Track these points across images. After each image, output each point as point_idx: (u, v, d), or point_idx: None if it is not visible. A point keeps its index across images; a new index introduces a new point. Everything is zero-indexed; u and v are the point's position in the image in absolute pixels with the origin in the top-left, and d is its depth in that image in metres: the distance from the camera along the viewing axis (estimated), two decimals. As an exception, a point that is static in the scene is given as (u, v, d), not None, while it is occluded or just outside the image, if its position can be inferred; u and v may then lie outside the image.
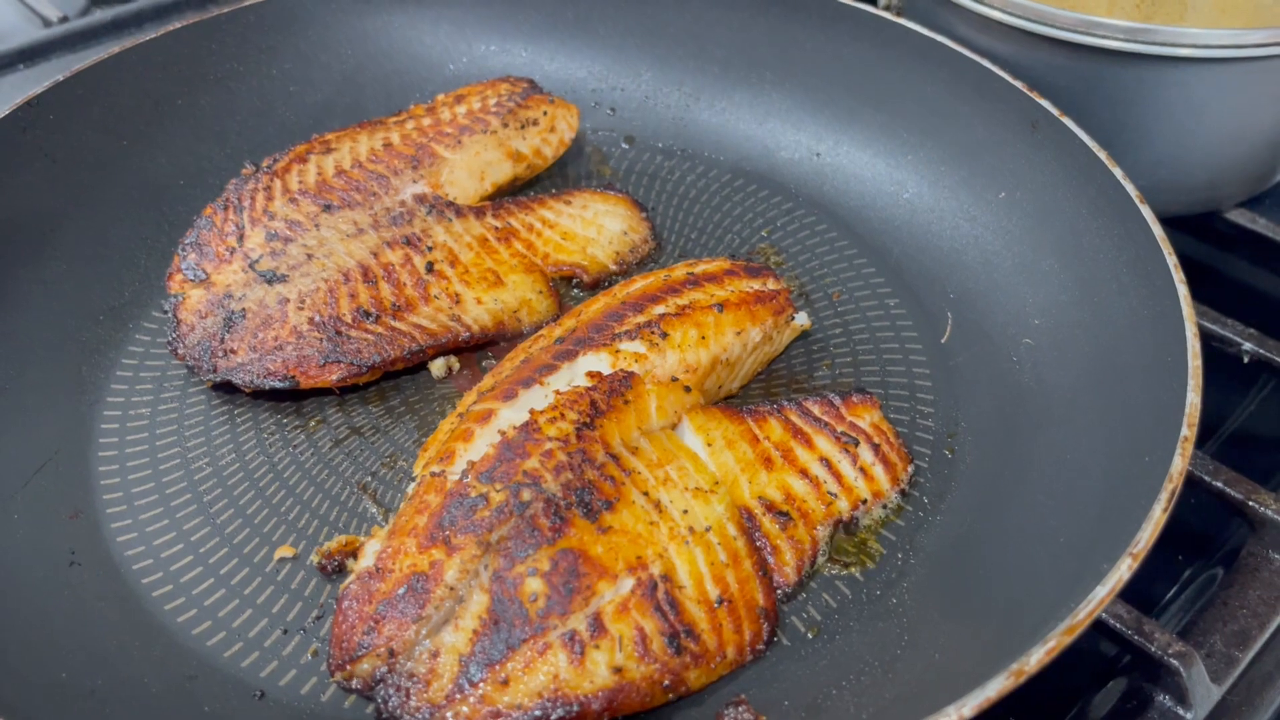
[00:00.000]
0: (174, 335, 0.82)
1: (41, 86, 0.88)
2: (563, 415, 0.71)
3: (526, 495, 0.66)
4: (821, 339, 0.86)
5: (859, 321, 0.87)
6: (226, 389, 0.81)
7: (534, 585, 0.63)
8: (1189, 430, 0.61)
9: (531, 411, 0.71)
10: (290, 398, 0.81)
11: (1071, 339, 0.78)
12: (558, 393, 0.73)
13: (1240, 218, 0.99)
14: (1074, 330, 0.78)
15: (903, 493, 0.74)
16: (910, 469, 0.75)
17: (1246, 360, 0.88)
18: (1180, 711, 0.66)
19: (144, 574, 0.69)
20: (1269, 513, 0.74)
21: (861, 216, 0.96)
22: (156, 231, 0.91)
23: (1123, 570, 0.54)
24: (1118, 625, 0.67)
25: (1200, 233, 1.00)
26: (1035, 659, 0.51)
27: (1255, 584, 0.73)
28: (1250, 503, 0.75)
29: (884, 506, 0.74)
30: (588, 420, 0.71)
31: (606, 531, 0.66)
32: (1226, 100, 0.91)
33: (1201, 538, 0.85)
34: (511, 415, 0.72)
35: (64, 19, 1.27)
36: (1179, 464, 0.59)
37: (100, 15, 1.27)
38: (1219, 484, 0.76)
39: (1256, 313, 0.91)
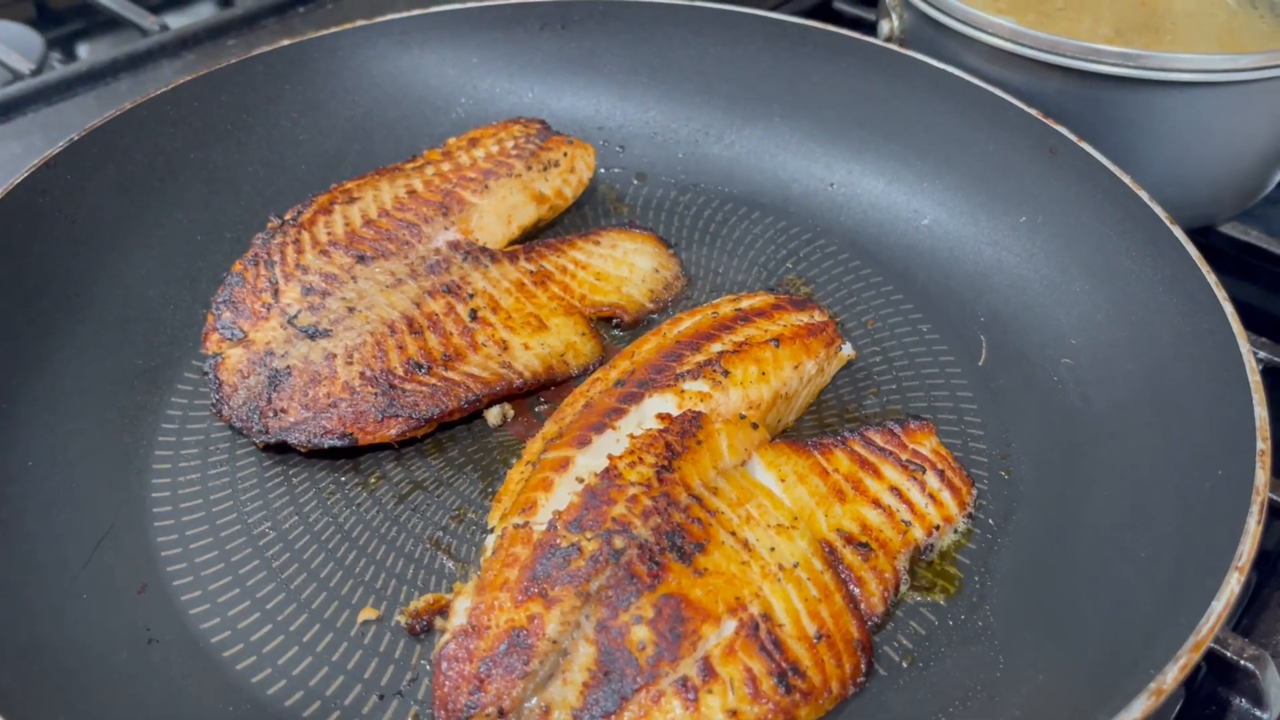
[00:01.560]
0: (217, 397, 0.80)
1: (56, 147, 0.85)
2: (641, 459, 0.71)
3: (619, 542, 0.66)
4: (864, 367, 0.88)
5: (896, 348, 0.89)
6: (277, 449, 0.79)
7: (641, 633, 0.63)
8: (1264, 444, 0.64)
9: (610, 457, 0.71)
10: (345, 455, 0.79)
11: (1113, 358, 0.81)
12: (631, 436, 0.73)
13: (1234, 230, 1.04)
14: (1114, 349, 0.81)
15: (970, 517, 0.76)
16: (974, 493, 0.77)
17: (1261, 368, 0.91)
18: (1258, 713, 0.69)
19: (224, 646, 0.67)
20: (1311, 515, 0.78)
21: (882, 244, 0.98)
22: (179, 290, 0.89)
23: (1233, 584, 0.57)
24: (1192, 633, 0.70)
25: (1198, 246, 1.04)
26: (1171, 677, 0.53)
27: (1308, 586, 0.76)
28: (1295, 507, 0.78)
29: (955, 531, 0.75)
30: (665, 463, 0.71)
31: (702, 574, 0.66)
32: (1223, 120, 0.95)
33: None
34: (588, 462, 0.72)
35: (36, 71, 1.23)
36: (1262, 477, 0.62)
37: (75, 66, 1.23)
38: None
39: (1255, 320, 0.95)
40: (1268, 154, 0.99)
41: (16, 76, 1.23)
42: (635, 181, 1.06)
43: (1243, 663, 0.69)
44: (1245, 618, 0.75)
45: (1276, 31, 0.94)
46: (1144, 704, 0.52)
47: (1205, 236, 1.05)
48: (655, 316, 0.91)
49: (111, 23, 1.60)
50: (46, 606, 0.65)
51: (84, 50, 1.58)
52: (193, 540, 0.73)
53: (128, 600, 0.68)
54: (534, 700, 0.63)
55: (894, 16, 1.05)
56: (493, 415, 0.82)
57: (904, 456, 0.77)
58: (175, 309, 0.88)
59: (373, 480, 0.78)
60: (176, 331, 0.87)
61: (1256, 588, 0.79)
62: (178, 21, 1.37)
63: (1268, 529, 0.85)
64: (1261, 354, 0.92)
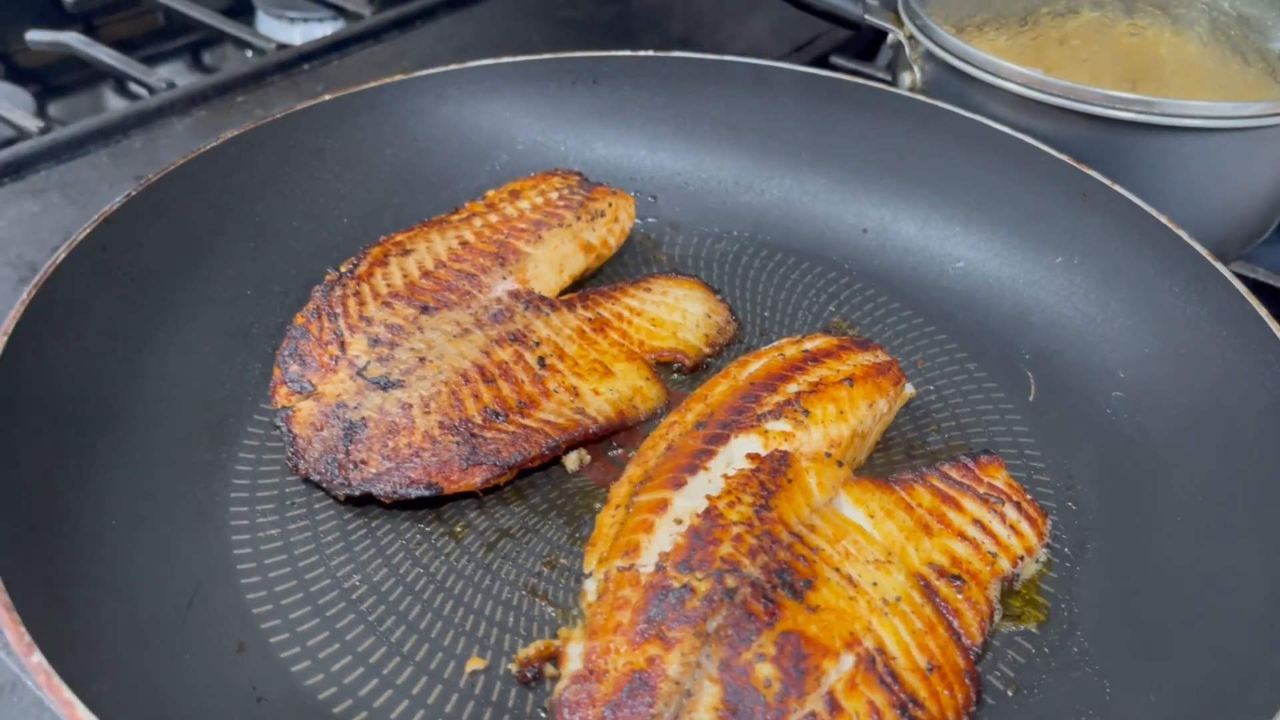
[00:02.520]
0: (292, 451, 0.79)
1: (113, 204, 0.84)
2: (739, 499, 0.72)
3: (731, 581, 0.67)
4: (921, 406, 0.90)
5: (948, 386, 0.92)
6: (356, 502, 0.78)
7: (765, 670, 0.63)
8: (1341, 464, 0.67)
9: (708, 498, 0.72)
10: (427, 505, 0.79)
11: (1163, 389, 0.84)
12: (725, 477, 0.74)
13: (1242, 268, 1.09)
14: (1163, 382, 0.85)
15: (1047, 546, 0.78)
16: (1049, 523, 0.79)
17: None
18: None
19: (333, 703, 0.66)
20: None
21: (919, 287, 1.01)
22: (234, 344, 0.88)
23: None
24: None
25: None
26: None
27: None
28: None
29: (1036, 561, 0.77)
30: (763, 502, 0.72)
31: (815, 610, 0.67)
32: (1233, 164, 1.01)
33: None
34: (686, 503, 0.72)
35: (45, 129, 1.21)
36: (1348, 495, 0.65)
37: (86, 123, 1.21)
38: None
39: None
40: (1272, 196, 1.05)
41: (23, 134, 1.21)
42: (670, 230, 1.07)
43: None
44: None
45: (1263, 80, 1.00)
46: (1287, 718, 0.54)
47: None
48: (712, 361, 0.93)
49: (89, 80, 1.59)
50: (157, 668, 0.63)
51: (54, 109, 1.56)
52: (283, 596, 0.72)
53: (229, 659, 0.67)
54: (662, 743, 0.62)
55: (915, 69, 1.09)
56: (570, 461, 0.83)
57: (980, 490, 0.79)
58: (231, 364, 0.87)
59: (458, 529, 0.78)
60: (234, 387, 0.86)
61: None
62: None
63: None
64: None
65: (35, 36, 1.40)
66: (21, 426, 0.70)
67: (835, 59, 1.43)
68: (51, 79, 1.63)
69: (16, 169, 1.16)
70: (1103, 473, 0.83)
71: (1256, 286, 1.09)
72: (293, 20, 1.69)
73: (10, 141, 1.20)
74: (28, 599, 0.57)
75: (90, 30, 1.75)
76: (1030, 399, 0.90)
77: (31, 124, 1.21)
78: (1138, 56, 1.01)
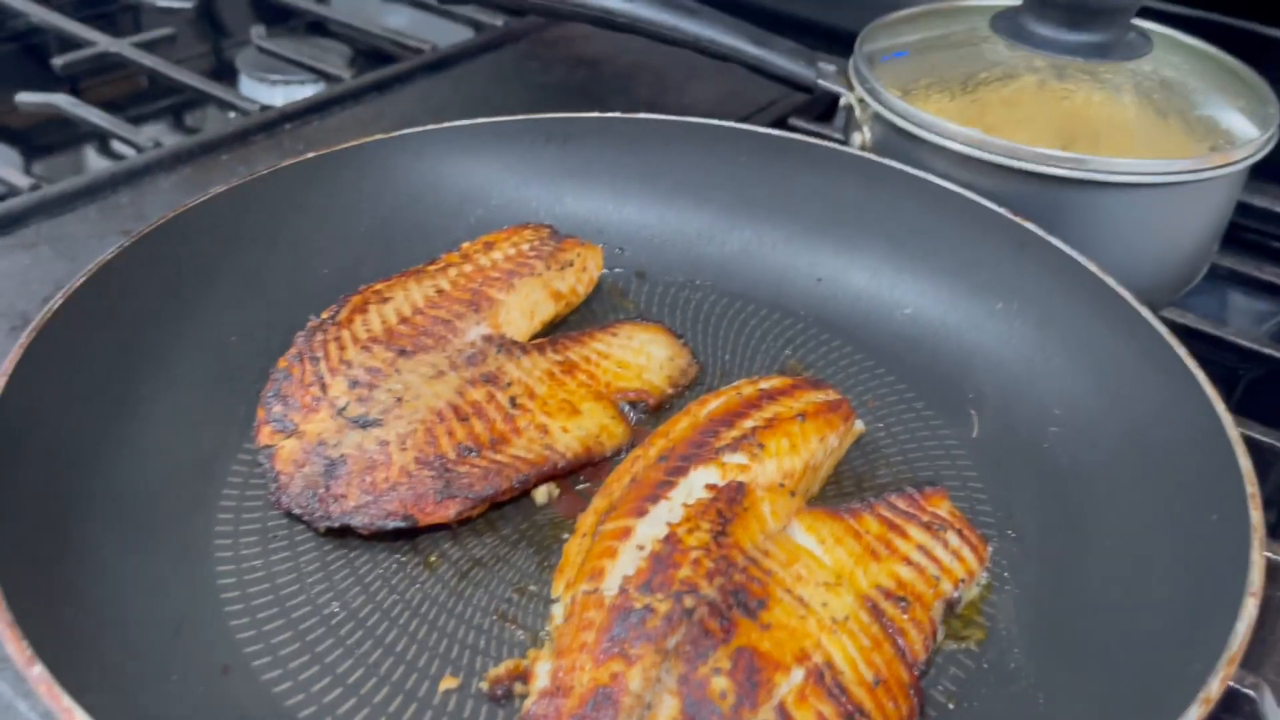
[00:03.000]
0: (275, 486, 0.83)
1: (109, 254, 0.89)
2: (698, 526, 0.77)
3: (690, 602, 0.71)
4: (872, 442, 0.95)
5: (897, 424, 0.97)
6: (335, 535, 0.82)
7: (721, 683, 0.68)
8: (1253, 488, 0.73)
9: (669, 525, 0.77)
10: (403, 537, 0.83)
11: (1096, 425, 0.90)
12: (685, 505, 0.79)
13: (1172, 314, 1.16)
14: (1096, 417, 0.90)
15: (988, 571, 0.83)
16: (989, 549, 0.84)
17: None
18: (1260, 736, 0.77)
19: (313, 721, 0.70)
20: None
21: (869, 331, 1.07)
22: (220, 387, 0.93)
23: (1251, 609, 0.65)
24: (1196, 665, 0.78)
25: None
26: (1214, 688, 0.60)
27: (1281, 621, 0.85)
28: (1265, 553, 0.88)
29: (977, 585, 0.82)
30: (720, 528, 0.77)
31: (768, 628, 0.71)
32: (1161, 218, 1.08)
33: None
34: (648, 530, 0.77)
35: (35, 186, 1.26)
36: (1256, 516, 0.71)
37: (75, 181, 1.26)
38: (1232, 538, 0.89)
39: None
40: (1198, 247, 1.13)
41: (13, 191, 1.26)
42: (636, 280, 1.13)
43: (1244, 690, 0.76)
44: (1235, 653, 0.84)
45: (1188, 139, 1.07)
46: (1197, 712, 0.59)
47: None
48: (675, 400, 0.98)
49: (73, 141, 1.65)
50: (148, 687, 0.67)
51: (39, 168, 1.61)
52: (265, 622, 0.76)
53: (215, 681, 0.70)
54: (624, 753, 0.67)
55: (865, 129, 1.16)
56: (540, 494, 0.87)
57: (924, 518, 0.84)
58: (217, 405, 0.91)
59: (433, 559, 0.82)
60: (220, 427, 0.90)
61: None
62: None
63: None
64: (1213, 421, 1.02)
65: (25, 98, 1.46)
66: (21, 462, 0.74)
67: (794, 121, 1.51)
68: (37, 139, 1.69)
69: (7, 224, 1.21)
70: (1040, 502, 0.88)
71: (1187, 331, 1.15)
72: (274, 83, 1.76)
73: (1, 198, 1.25)
74: (28, 617, 0.61)
75: (76, 92, 1.81)
76: (974, 435, 0.96)
77: (22, 180, 1.26)
78: (1070, 118, 1.08)
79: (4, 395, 0.74)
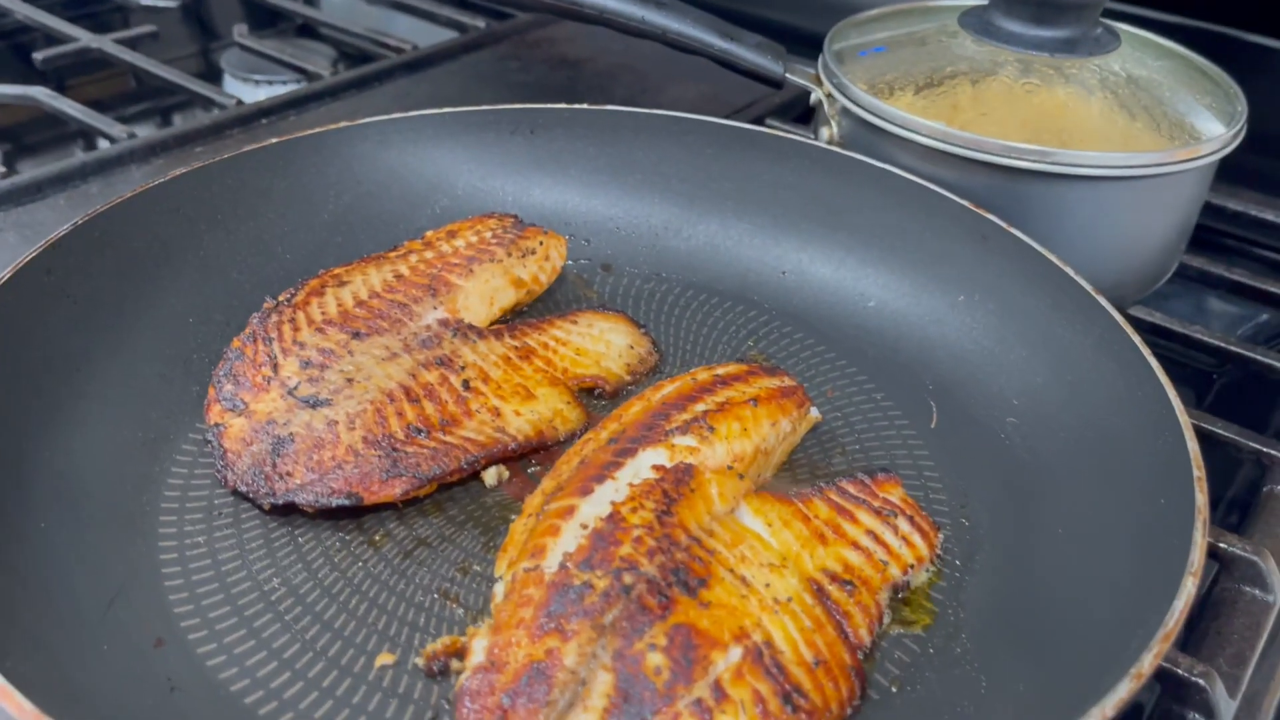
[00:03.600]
0: (222, 464, 0.83)
1: (62, 230, 0.89)
2: (641, 505, 0.76)
3: (629, 579, 0.71)
4: (828, 431, 0.95)
5: (855, 414, 0.97)
6: (281, 513, 0.82)
7: (656, 659, 0.67)
8: (1199, 471, 0.72)
9: (612, 503, 0.76)
10: (349, 515, 0.82)
11: (1052, 414, 0.89)
12: (631, 485, 0.78)
13: (1140, 312, 1.16)
14: (1053, 406, 0.90)
15: (939, 557, 0.82)
16: (940, 536, 0.84)
17: (1176, 429, 1.01)
18: (1209, 724, 0.76)
19: (245, 694, 0.69)
20: (1237, 551, 0.86)
21: (833, 324, 1.06)
22: (173, 367, 0.92)
23: (1189, 587, 0.64)
24: (1145, 653, 0.77)
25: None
26: (1147, 663, 0.59)
27: (1237, 613, 0.84)
28: (1220, 545, 0.87)
29: (926, 570, 0.81)
30: (665, 508, 0.76)
31: (707, 606, 0.71)
32: (1126, 212, 1.07)
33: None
34: (592, 509, 0.77)
35: (5, 174, 1.26)
36: (1201, 499, 0.70)
37: (45, 169, 1.26)
38: (1190, 530, 0.88)
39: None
40: (1167, 241, 1.12)
41: (-15, 179, 1.26)
42: (601, 271, 1.13)
43: (1194, 679, 0.76)
44: (1189, 643, 0.83)
45: (1154, 135, 1.07)
46: (1128, 686, 0.58)
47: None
48: (634, 387, 0.98)
49: (56, 140, 1.66)
50: (73, 655, 0.66)
51: (23, 167, 1.61)
52: (204, 597, 0.75)
53: (146, 653, 0.70)
54: (556, 728, 0.66)
55: (833, 124, 1.16)
56: (489, 476, 0.87)
57: (876, 504, 0.83)
58: (170, 385, 0.91)
59: (377, 538, 0.81)
60: (172, 407, 0.90)
61: (1195, 618, 0.86)
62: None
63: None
64: (1177, 416, 1.01)
65: (3, 91, 1.46)
66: (-42, 430, 0.73)
67: (771, 122, 1.51)
68: (24, 137, 1.70)
69: (-24, 211, 1.21)
70: (995, 492, 0.87)
71: (1155, 330, 1.15)
72: (257, 83, 1.76)
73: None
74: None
75: (62, 90, 1.82)
76: (932, 426, 0.95)
77: (-7, 168, 1.26)
78: (1037, 113, 1.08)
79: (-55, 364, 0.74)
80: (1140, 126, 1.07)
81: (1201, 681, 0.75)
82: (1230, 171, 1.17)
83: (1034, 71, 1.11)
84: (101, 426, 0.84)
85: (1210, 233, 1.37)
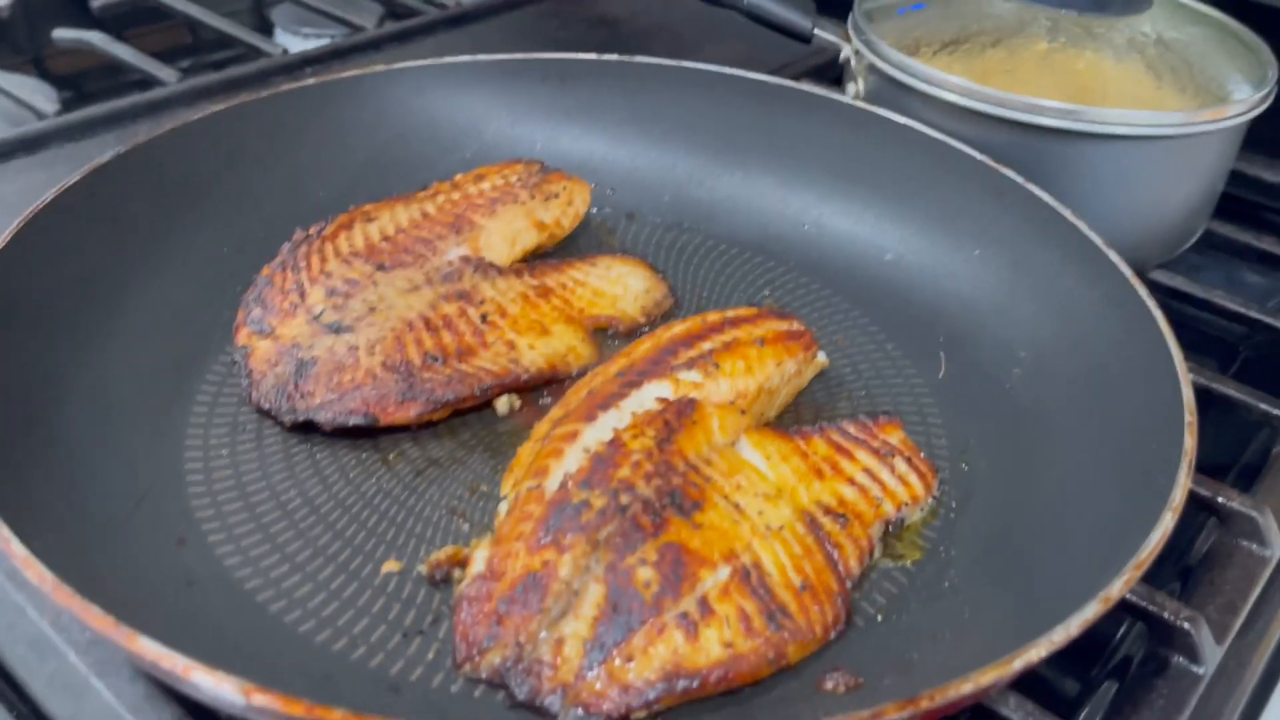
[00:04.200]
0: (247, 383, 0.87)
1: (105, 157, 0.93)
2: (643, 432, 0.79)
3: (625, 498, 0.74)
4: (836, 377, 0.97)
5: (864, 362, 0.98)
6: (302, 431, 0.86)
7: (646, 573, 0.70)
8: (1191, 417, 0.73)
9: (614, 429, 0.79)
10: (366, 435, 0.86)
11: (1057, 365, 0.91)
12: (634, 414, 0.81)
13: (1161, 276, 1.16)
14: (1059, 358, 0.91)
15: (935, 499, 0.84)
16: (938, 479, 0.85)
17: (1188, 390, 1.02)
18: (1194, 669, 0.77)
19: (258, 592, 0.73)
20: (1235, 506, 0.87)
21: (850, 277, 1.08)
22: (207, 293, 0.96)
23: (1167, 521, 0.65)
24: (1134, 598, 0.78)
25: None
26: (1116, 588, 0.61)
27: (1232, 565, 0.85)
28: (1219, 499, 0.88)
29: (921, 510, 0.83)
30: (665, 436, 0.79)
31: (700, 528, 0.73)
32: (1150, 173, 1.08)
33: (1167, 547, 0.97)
34: (595, 434, 0.80)
35: (59, 112, 1.31)
36: (1190, 441, 0.71)
37: (97, 108, 1.31)
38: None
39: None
40: (1191, 205, 1.12)
41: (40, 116, 1.31)
42: (625, 220, 1.15)
43: (1180, 623, 0.77)
44: (1182, 593, 0.84)
45: (1181, 96, 1.07)
46: (1094, 608, 0.59)
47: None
48: (646, 329, 1.00)
49: (116, 89, 1.71)
50: (99, 547, 0.70)
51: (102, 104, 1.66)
52: (225, 504, 0.79)
53: (168, 551, 0.74)
54: (547, 634, 0.69)
55: (859, 80, 1.17)
56: (501, 405, 0.90)
57: (875, 444, 0.85)
58: (203, 310, 0.95)
59: (391, 457, 0.85)
60: (204, 330, 0.94)
61: (1191, 570, 0.87)
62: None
63: (1187, 525, 0.95)
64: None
65: (61, 34, 1.52)
66: (4, 335, 0.78)
67: (804, 84, 1.51)
68: (84, 85, 1.75)
69: (31, 145, 1.25)
70: (996, 439, 0.89)
71: (1176, 294, 1.15)
72: (307, 36, 1.80)
73: (31, 123, 1.30)
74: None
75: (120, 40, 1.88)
76: (940, 376, 0.97)
77: (49, 107, 1.31)
78: (1062, 71, 1.08)
79: (-8, 270, 0.78)
80: (1167, 87, 1.07)
81: (1187, 626, 0.76)
82: (1267, 142, 1.16)
83: (1062, 31, 1.11)
84: (136, 345, 0.89)
85: (1244, 204, 1.36)
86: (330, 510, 0.80)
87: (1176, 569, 0.94)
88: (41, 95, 1.38)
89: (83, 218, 0.89)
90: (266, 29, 1.88)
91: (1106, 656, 0.88)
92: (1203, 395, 1.02)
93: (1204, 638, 0.77)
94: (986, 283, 1.01)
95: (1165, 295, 1.15)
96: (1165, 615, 0.77)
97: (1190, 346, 1.18)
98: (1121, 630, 0.89)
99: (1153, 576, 0.89)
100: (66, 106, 1.57)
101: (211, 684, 0.52)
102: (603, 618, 0.69)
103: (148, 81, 1.50)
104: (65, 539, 0.68)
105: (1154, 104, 1.05)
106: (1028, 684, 0.70)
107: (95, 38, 1.50)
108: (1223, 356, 1.24)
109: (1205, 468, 0.90)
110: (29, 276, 0.82)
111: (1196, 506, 0.89)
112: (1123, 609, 0.79)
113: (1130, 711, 0.74)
